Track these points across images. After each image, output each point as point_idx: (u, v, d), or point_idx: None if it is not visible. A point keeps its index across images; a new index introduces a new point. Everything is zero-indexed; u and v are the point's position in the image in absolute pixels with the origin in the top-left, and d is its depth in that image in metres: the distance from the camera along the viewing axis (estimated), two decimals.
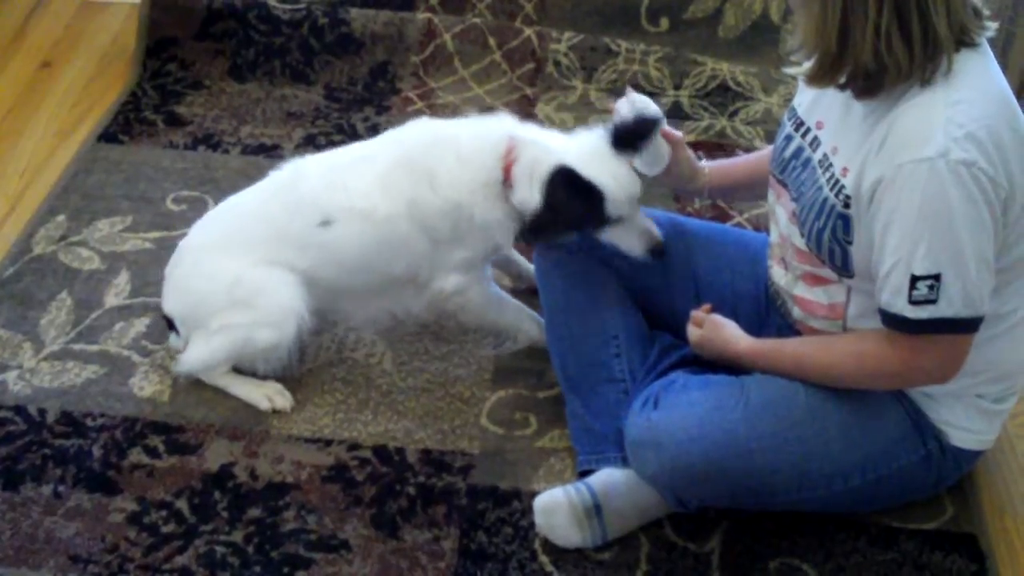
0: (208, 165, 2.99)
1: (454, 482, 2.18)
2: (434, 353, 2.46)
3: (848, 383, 1.95)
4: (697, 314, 2.11)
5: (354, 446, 2.25)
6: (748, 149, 3.01)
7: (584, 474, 2.12)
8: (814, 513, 2.08)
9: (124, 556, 2.03)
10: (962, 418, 1.97)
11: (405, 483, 2.17)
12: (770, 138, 3.01)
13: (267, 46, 3.32)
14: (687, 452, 1.92)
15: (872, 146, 1.75)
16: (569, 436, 2.23)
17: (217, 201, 2.68)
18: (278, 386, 2.34)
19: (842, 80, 1.75)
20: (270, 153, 3.03)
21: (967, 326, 1.77)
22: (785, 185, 1.99)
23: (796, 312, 2.03)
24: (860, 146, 1.78)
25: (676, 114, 3.20)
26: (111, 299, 2.57)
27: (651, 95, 2.30)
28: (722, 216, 2.83)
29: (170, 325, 2.37)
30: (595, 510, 2.03)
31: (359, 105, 3.23)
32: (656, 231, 2.15)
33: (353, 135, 3.09)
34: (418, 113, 3.18)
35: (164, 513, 2.10)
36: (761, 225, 2.70)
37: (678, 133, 2.18)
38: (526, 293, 2.49)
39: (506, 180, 2.15)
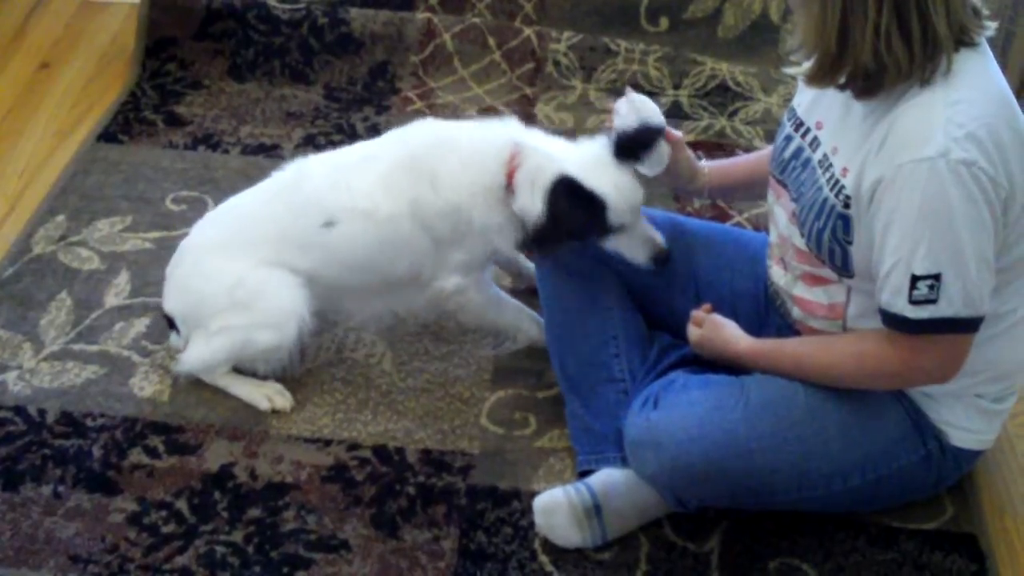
0: (208, 165, 2.99)
1: (454, 482, 2.18)
2: (434, 353, 2.46)
3: (848, 383, 1.95)
4: (697, 314, 2.10)
5: (354, 446, 2.24)
6: (748, 149, 3.01)
7: (584, 474, 2.12)
8: (814, 513, 2.08)
9: (124, 556, 2.03)
10: (962, 418, 1.97)
11: (405, 483, 2.17)
12: (770, 138, 3.01)
13: (267, 46, 3.32)
14: (687, 452, 1.92)
15: (872, 146, 1.74)
16: (569, 436, 2.23)
17: (217, 201, 2.68)
18: (278, 386, 2.34)
19: (842, 80, 1.75)
20: (270, 153, 3.03)
21: (967, 326, 1.77)
22: (785, 185, 1.99)
23: (796, 312, 2.03)
24: (860, 146, 1.77)
25: (675, 114, 3.19)
26: (111, 299, 2.57)
27: (650, 95, 2.30)
28: (722, 216, 2.83)
29: (171, 324, 2.37)
30: (595, 510, 2.03)
31: (359, 105, 3.23)
32: (660, 239, 2.15)
33: (353, 135, 3.09)
34: (418, 113, 3.18)
35: (164, 513, 2.10)
36: (761, 225, 2.70)
37: (678, 133, 2.18)
38: (526, 293, 2.49)
39: (509, 186, 2.14)
